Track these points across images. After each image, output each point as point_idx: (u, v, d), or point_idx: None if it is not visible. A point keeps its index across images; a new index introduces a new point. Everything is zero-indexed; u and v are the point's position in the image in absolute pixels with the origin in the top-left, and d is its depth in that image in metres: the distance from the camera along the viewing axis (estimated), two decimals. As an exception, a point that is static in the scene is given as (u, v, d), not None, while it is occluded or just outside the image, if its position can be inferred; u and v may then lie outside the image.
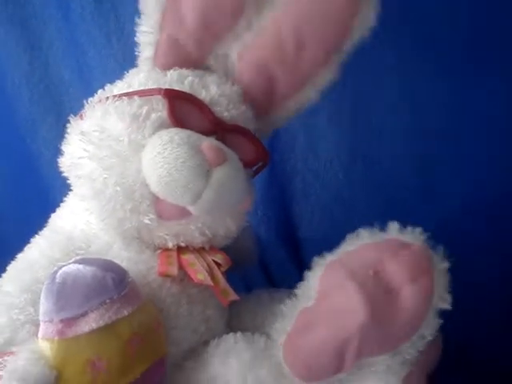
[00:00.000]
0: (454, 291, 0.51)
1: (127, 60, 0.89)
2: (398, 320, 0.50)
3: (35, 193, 1.02)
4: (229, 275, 0.60)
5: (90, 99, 0.60)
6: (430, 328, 0.51)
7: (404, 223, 0.54)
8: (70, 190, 0.64)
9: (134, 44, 0.83)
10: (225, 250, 0.63)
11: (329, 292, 0.53)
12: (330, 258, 0.55)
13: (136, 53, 0.69)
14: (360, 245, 0.55)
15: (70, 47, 0.95)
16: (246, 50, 0.61)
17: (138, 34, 0.62)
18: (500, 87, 0.78)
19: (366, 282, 0.50)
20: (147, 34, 0.61)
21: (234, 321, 0.63)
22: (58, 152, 0.84)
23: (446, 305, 0.51)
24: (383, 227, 0.55)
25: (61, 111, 0.97)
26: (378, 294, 0.50)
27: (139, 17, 0.61)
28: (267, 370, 0.54)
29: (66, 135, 0.59)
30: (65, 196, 0.67)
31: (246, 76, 0.61)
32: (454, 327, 0.53)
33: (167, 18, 0.59)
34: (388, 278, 0.51)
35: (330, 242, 0.57)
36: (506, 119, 0.79)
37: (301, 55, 0.59)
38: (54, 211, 0.65)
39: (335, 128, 0.88)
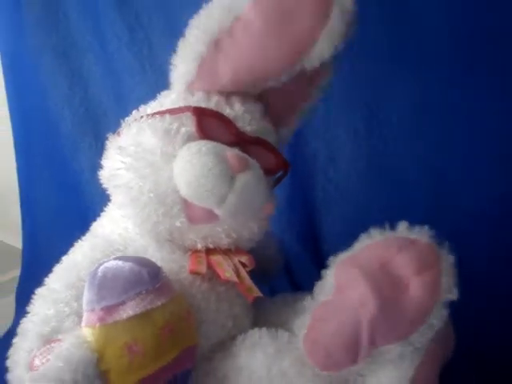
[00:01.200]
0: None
1: (159, 85, 0.94)
2: (406, 310, 0.53)
3: (76, 206, 1.09)
4: (256, 283, 0.64)
5: (127, 118, 0.66)
6: (438, 318, 0.53)
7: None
8: (109, 202, 0.70)
9: (166, 70, 0.89)
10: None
11: (343, 287, 0.56)
12: (342, 255, 0.59)
13: (167, 78, 0.74)
14: (370, 242, 0.58)
15: (107, 74, 1.02)
16: None
17: (171, 72, 0.67)
18: (497, 90, 0.83)
19: (374, 276, 0.54)
20: (181, 76, 0.66)
21: (260, 320, 0.67)
22: (97, 169, 0.90)
23: (453, 297, 0.53)
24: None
25: (99, 132, 1.04)
26: (387, 286, 0.53)
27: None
28: (290, 362, 0.57)
29: (105, 151, 0.65)
30: (101, 208, 0.72)
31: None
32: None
33: (204, 70, 0.63)
34: (396, 270, 0.54)
35: (349, 246, 0.60)
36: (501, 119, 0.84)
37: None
38: (92, 222, 0.70)
39: (352, 142, 0.93)
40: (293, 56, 0.60)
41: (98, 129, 1.05)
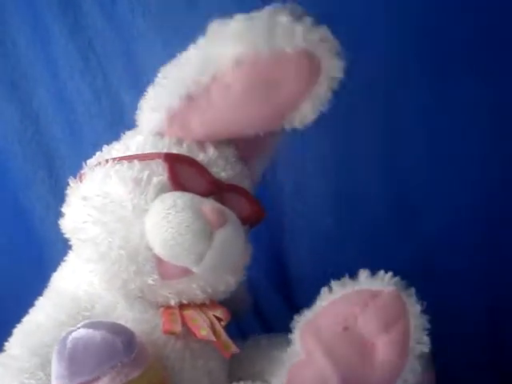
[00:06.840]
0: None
1: (115, 118, 0.93)
2: (376, 372, 0.52)
3: (28, 246, 1.02)
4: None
5: (89, 161, 0.62)
6: (411, 372, 0.53)
7: (388, 262, 0.57)
8: (66, 247, 0.65)
9: (122, 102, 0.85)
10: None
11: (307, 354, 0.55)
12: (305, 317, 0.58)
13: (123, 111, 0.70)
14: (330, 301, 0.57)
15: (60, 105, 0.97)
16: None
17: (137, 114, 0.64)
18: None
19: (335, 344, 0.53)
20: (149, 122, 0.62)
21: (235, 368, 0.65)
22: (50, 206, 0.85)
23: (425, 348, 0.53)
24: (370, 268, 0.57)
25: (52, 167, 0.98)
26: (351, 352, 0.52)
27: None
28: None
29: (66, 197, 0.61)
30: (57, 249, 0.70)
31: None
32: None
33: (174, 121, 0.60)
34: (361, 331, 0.53)
35: (321, 283, 0.59)
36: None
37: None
38: (47, 265, 0.67)
39: (320, 174, 0.93)
40: (274, 119, 0.59)
41: (52, 163, 0.98)
